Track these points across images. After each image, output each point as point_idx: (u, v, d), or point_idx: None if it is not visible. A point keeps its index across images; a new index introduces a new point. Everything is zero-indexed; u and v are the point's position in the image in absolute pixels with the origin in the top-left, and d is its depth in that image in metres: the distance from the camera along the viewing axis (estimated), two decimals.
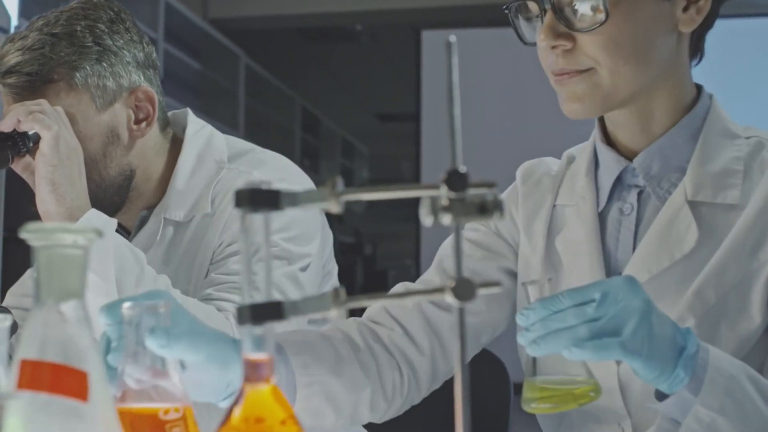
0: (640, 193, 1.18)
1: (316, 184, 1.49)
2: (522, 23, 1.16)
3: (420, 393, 1.23)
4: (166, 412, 0.80)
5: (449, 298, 0.54)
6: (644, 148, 1.17)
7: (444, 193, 0.55)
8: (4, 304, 1.51)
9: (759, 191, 1.11)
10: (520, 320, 0.96)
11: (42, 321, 0.62)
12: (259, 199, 0.58)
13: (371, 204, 7.52)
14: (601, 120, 1.22)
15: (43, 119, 1.33)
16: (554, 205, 1.25)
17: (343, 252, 8.69)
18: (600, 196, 1.21)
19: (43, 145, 1.33)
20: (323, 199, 0.58)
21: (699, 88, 1.21)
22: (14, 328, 1.18)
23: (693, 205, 1.13)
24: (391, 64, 8.21)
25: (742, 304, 1.09)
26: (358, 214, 9.76)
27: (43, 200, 1.34)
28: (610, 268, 1.17)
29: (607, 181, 1.20)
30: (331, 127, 10.20)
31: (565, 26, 1.10)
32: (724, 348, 1.06)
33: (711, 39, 1.21)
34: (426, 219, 0.55)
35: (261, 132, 7.72)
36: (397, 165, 10.59)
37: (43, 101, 1.36)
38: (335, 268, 1.60)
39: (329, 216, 1.54)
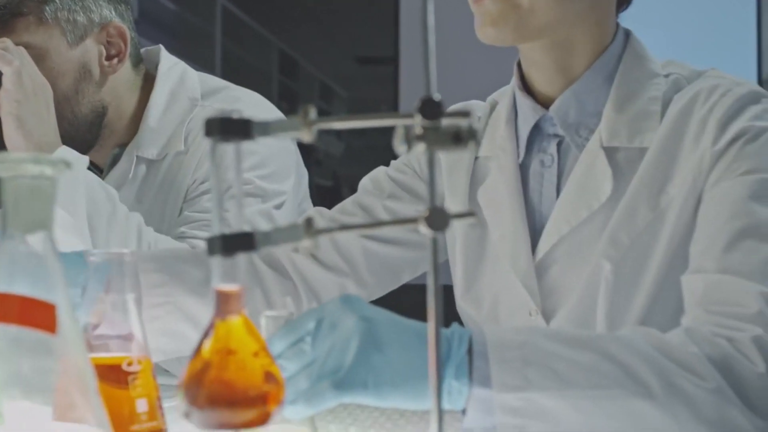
0: (559, 143, 1.10)
1: None
2: None
3: None
4: (130, 363, 0.80)
5: (423, 228, 0.53)
6: (560, 94, 1.08)
7: (418, 122, 0.54)
8: None
9: (662, 129, 1.03)
10: None
11: (9, 253, 0.61)
12: (229, 128, 0.57)
13: (349, 147, 7.48)
14: (519, 64, 1.13)
15: (3, 55, 1.32)
16: (476, 157, 1.17)
17: (320, 195, 8.66)
18: (519, 146, 1.12)
19: (5, 81, 1.33)
20: (295, 127, 0.56)
21: (617, 27, 1.12)
22: None
23: (608, 151, 1.05)
24: (369, 7, 8.11)
25: (655, 243, 1.01)
26: (336, 158, 9.72)
27: (10, 136, 1.33)
28: (535, 223, 1.10)
29: (524, 132, 1.11)
30: (309, 70, 10.09)
31: None
32: (643, 290, 1.00)
33: None
34: (399, 148, 0.54)
35: (238, 75, 7.62)
36: (375, 108, 10.51)
37: (6, 40, 1.35)
38: (311, 207, 1.59)
39: (306, 159, 1.54)
